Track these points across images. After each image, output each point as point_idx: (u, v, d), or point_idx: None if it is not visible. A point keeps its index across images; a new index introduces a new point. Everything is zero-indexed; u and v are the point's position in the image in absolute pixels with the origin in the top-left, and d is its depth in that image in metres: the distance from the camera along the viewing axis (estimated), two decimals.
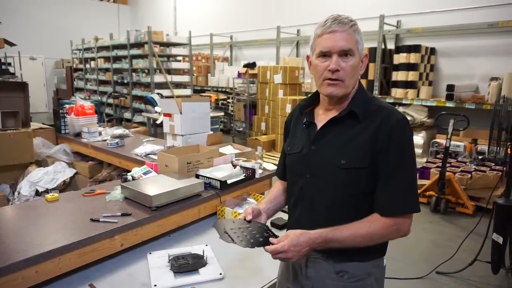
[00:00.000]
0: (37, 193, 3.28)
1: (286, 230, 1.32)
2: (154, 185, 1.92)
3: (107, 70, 9.67)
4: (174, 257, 1.58)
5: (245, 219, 1.23)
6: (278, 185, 1.45)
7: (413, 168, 1.11)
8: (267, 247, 1.08)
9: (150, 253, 1.65)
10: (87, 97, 9.45)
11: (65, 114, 3.85)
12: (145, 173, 2.22)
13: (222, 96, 9.16)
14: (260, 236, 1.14)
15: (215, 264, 1.57)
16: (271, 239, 1.10)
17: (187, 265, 1.53)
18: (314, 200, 1.18)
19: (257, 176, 2.33)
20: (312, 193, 1.18)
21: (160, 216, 1.75)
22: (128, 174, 2.20)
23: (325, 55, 1.10)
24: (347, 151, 1.10)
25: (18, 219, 1.70)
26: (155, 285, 1.40)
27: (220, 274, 1.49)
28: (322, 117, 1.21)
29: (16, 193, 3.26)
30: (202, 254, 1.61)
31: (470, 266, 2.86)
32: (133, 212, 1.71)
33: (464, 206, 4.20)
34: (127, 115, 8.75)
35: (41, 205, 1.83)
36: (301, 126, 1.26)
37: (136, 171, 2.26)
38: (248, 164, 2.34)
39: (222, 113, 8.08)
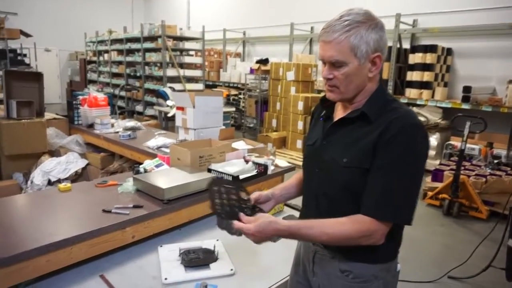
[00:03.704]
0: (50, 183, 3.31)
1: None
2: (166, 178, 1.90)
3: (120, 63, 9.73)
4: (185, 251, 1.57)
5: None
6: (297, 174, 1.43)
7: (409, 176, 1.02)
8: (235, 222, 1.07)
9: (161, 246, 1.64)
10: (100, 90, 9.52)
11: (79, 105, 3.87)
12: (157, 166, 2.21)
13: (233, 92, 9.14)
14: (237, 208, 1.11)
15: (226, 259, 1.55)
16: (241, 216, 1.08)
17: (198, 259, 1.51)
18: (319, 195, 1.17)
19: (269, 172, 2.31)
20: (318, 188, 1.17)
21: (171, 209, 1.74)
22: (140, 166, 2.19)
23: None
24: (351, 150, 1.07)
25: (30, 208, 1.70)
26: (165, 279, 1.39)
27: (231, 270, 1.47)
28: (339, 112, 1.18)
29: (29, 182, 3.30)
30: (213, 249, 1.59)
31: (484, 272, 2.79)
32: (144, 204, 1.70)
33: (477, 210, 4.12)
34: (139, 108, 8.79)
35: (54, 194, 1.83)
36: (320, 119, 1.24)
37: (148, 163, 2.25)
38: (261, 160, 2.32)
39: (234, 109, 8.07)
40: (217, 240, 1.70)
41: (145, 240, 1.67)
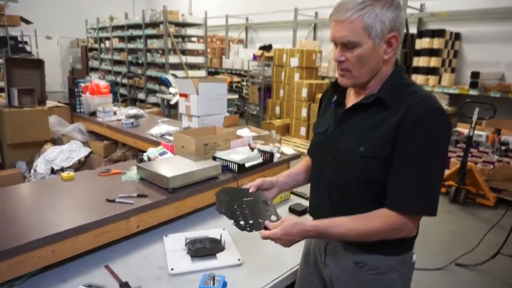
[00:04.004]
0: (53, 171, 3.29)
1: (309, 213, 1.27)
2: (171, 166, 1.86)
3: (121, 50, 9.64)
4: (191, 241, 1.54)
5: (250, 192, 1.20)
6: (304, 162, 1.39)
7: (435, 166, 0.97)
8: (262, 231, 1.04)
9: (166, 236, 1.61)
10: (102, 77, 9.45)
11: (80, 93, 3.82)
12: (161, 154, 2.17)
13: (236, 79, 9.05)
14: (258, 217, 1.09)
15: (233, 249, 1.52)
16: (267, 223, 1.06)
17: (204, 249, 1.48)
18: (332, 185, 1.12)
19: (275, 160, 2.26)
20: (331, 178, 1.11)
21: (176, 198, 1.70)
22: (144, 154, 2.15)
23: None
24: (367, 138, 1.02)
25: (33, 197, 1.67)
26: (172, 269, 1.36)
27: (239, 260, 1.44)
28: (351, 98, 1.12)
29: (32, 171, 3.27)
30: (219, 238, 1.56)
31: (492, 259, 2.77)
32: (149, 193, 1.67)
33: (484, 197, 4.07)
34: (141, 95, 8.74)
35: (57, 183, 1.80)
36: (331, 105, 1.18)
37: (152, 151, 2.21)
38: (266, 148, 2.27)
39: (236, 96, 8.00)
40: (223, 229, 1.66)
41: (150, 230, 1.64)
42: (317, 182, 1.20)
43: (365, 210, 1.01)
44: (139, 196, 1.64)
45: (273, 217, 1.10)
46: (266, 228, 1.05)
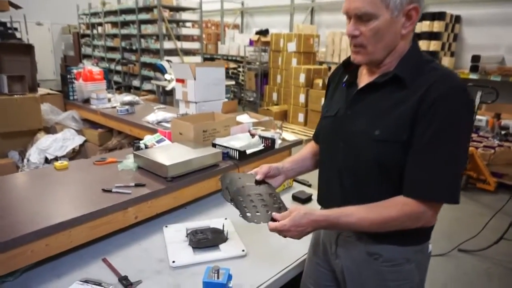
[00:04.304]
0: (47, 161, 3.20)
1: (317, 202, 1.21)
2: (169, 154, 1.78)
3: (115, 36, 9.41)
4: (192, 231, 1.47)
5: (255, 181, 1.14)
6: (309, 147, 1.32)
7: (459, 149, 0.90)
8: (270, 223, 0.99)
9: (166, 227, 1.54)
10: (95, 64, 9.25)
11: (73, 80, 3.70)
12: (158, 141, 2.09)
13: (232, 65, 8.90)
14: (267, 209, 1.04)
15: (236, 239, 1.46)
16: (274, 215, 1.00)
17: (206, 240, 1.42)
18: (344, 172, 1.04)
19: (276, 146, 2.19)
20: (343, 164, 1.04)
21: (176, 187, 1.63)
22: (141, 142, 2.07)
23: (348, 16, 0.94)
24: (383, 121, 0.94)
25: (26, 188, 1.59)
26: (173, 261, 1.30)
27: (243, 250, 1.38)
28: (364, 77, 1.04)
29: (25, 160, 3.18)
30: (222, 228, 1.50)
31: (495, 244, 2.74)
32: (147, 182, 1.59)
33: (485, 182, 4.05)
34: (136, 82, 8.58)
35: (50, 173, 1.72)
36: (341, 85, 1.10)
37: (148, 139, 2.13)
38: (267, 134, 2.19)
39: (233, 82, 7.87)
40: (226, 218, 1.60)
41: (149, 221, 1.57)
42: (327, 169, 1.13)
43: (380, 198, 0.95)
44: (136, 185, 1.56)
45: (281, 209, 1.03)
46: (273, 219, 0.99)
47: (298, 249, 1.40)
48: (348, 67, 1.08)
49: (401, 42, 0.95)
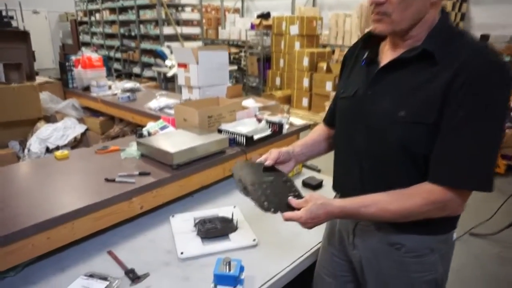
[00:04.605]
0: (48, 150, 3.13)
1: (333, 189, 1.14)
2: (174, 141, 1.71)
3: (113, 22, 9.24)
4: (200, 221, 1.41)
5: (264, 167, 1.07)
6: (320, 130, 1.24)
7: (495, 131, 0.81)
8: (285, 213, 0.93)
9: (173, 216, 1.48)
10: (94, 52, 9.12)
11: (72, 67, 3.61)
12: (161, 128, 2.01)
13: (234, 50, 8.73)
14: (281, 197, 0.98)
15: (246, 228, 1.40)
16: (290, 200, 0.94)
17: (215, 230, 1.36)
18: (364, 156, 0.96)
19: (284, 131, 2.11)
20: (362, 148, 0.96)
21: (182, 175, 1.56)
22: (144, 129, 2.00)
23: None
24: (409, 101, 0.85)
25: (25, 179, 1.53)
26: (181, 253, 1.24)
27: (254, 240, 1.32)
28: (387, 54, 0.95)
29: (26, 150, 3.12)
30: (231, 217, 1.43)
31: (507, 228, 2.68)
32: (151, 171, 1.53)
33: None
34: (136, 70, 8.46)
35: (50, 163, 1.65)
36: (360, 63, 1.01)
37: (152, 126, 2.06)
38: (275, 119, 2.11)
39: (235, 67, 7.74)
40: (234, 207, 1.53)
41: (155, 210, 1.51)
42: (345, 153, 1.05)
43: (402, 184, 0.87)
44: (141, 174, 1.50)
45: (297, 197, 0.97)
46: (289, 206, 0.92)
47: (312, 238, 1.34)
48: (368, 43, 0.99)
49: (431, 11, 0.85)
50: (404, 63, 0.88)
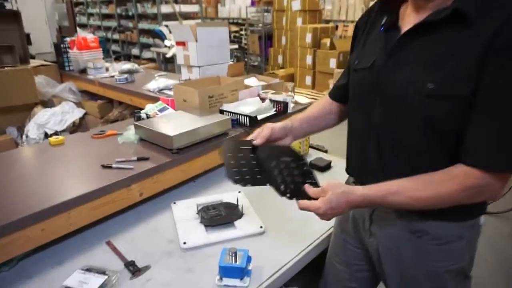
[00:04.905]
0: (47, 136, 3.06)
1: (346, 172, 1.05)
2: (173, 123, 1.62)
3: (109, 2, 8.99)
4: (203, 207, 1.34)
5: (252, 146, 0.96)
6: (324, 103, 1.14)
7: None
8: (300, 201, 0.84)
9: (175, 203, 1.41)
10: (91, 33, 8.93)
11: (67, 49, 3.48)
12: (160, 110, 1.92)
13: (234, 28, 8.51)
14: (299, 181, 0.88)
15: (252, 215, 1.32)
16: (307, 188, 0.85)
17: (219, 217, 1.29)
18: (384, 136, 0.86)
19: (289, 111, 2.01)
20: (382, 126, 0.86)
21: (183, 159, 1.48)
22: (142, 111, 1.90)
23: None
24: (438, 70, 0.74)
25: (17, 167, 1.45)
26: (184, 243, 1.17)
27: (261, 227, 1.25)
28: (409, 18, 0.83)
29: (24, 136, 3.05)
30: (236, 203, 1.36)
31: None
32: (151, 155, 1.44)
33: None
34: (135, 51, 8.29)
35: (44, 149, 1.57)
36: (378, 30, 0.89)
37: (150, 108, 1.96)
38: (279, 97, 2.01)
39: (236, 46, 7.55)
40: (239, 192, 1.46)
41: (156, 197, 1.44)
42: (360, 132, 0.95)
43: (428, 168, 0.78)
44: (139, 159, 1.41)
45: (313, 185, 0.88)
46: (305, 194, 0.84)
47: (322, 223, 1.24)
48: (386, 7, 0.87)
49: None
50: (431, 27, 0.76)
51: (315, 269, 1.27)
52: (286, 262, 1.11)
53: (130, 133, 1.63)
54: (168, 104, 1.97)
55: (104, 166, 1.35)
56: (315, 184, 0.88)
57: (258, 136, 0.98)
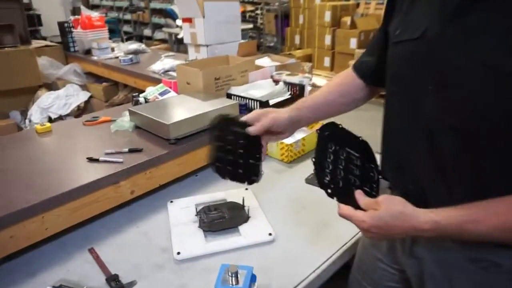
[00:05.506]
0: (50, 120, 2.92)
1: (381, 174, 0.82)
2: (173, 109, 1.43)
3: None
4: (203, 208, 1.15)
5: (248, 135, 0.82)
6: (338, 83, 0.93)
7: None
8: (342, 207, 0.66)
9: (171, 202, 1.22)
10: (104, 14, 8.76)
11: (71, 28, 3.31)
12: (161, 94, 1.72)
13: (249, 8, 8.15)
14: (348, 182, 0.70)
15: (260, 218, 1.12)
16: (358, 195, 0.66)
17: (222, 220, 1.09)
18: (438, 132, 0.63)
19: (306, 94, 1.78)
20: (437, 119, 0.63)
21: (181, 151, 1.28)
22: (141, 95, 1.72)
23: None
24: None
25: None
26: (178, 253, 0.98)
27: (270, 234, 1.04)
28: None
29: (27, 121, 2.92)
30: (241, 203, 1.16)
31: None
32: (145, 146, 1.25)
33: None
34: (147, 32, 8.08)
35: (29, 137, 1.40)
36: None
37: (150, 91, 1.77)
38: (295, 79, 1.77)
39: (251, 26, 7.23)
40: (246, 189, 1.26)
41: (149, 195, 1.25)
42: (404, 128, 0.71)
43: (506, 177, 0.56)
44: (131, 151, 1.23)
45: (368, 193, 0.69)
46: (352, 199, 0.67)
47: (345, 229, 1.04)
48: None
49: None
50: None
51: (340, 275, 1.07)
52: (300, 280, 0.91)
53: (124, 120, 1.44)
54: (170, 87, 1.77)
55: (90, 160, 1.17)
56: (372, 195, 0.67)
57: (255, 121, 0.81)
